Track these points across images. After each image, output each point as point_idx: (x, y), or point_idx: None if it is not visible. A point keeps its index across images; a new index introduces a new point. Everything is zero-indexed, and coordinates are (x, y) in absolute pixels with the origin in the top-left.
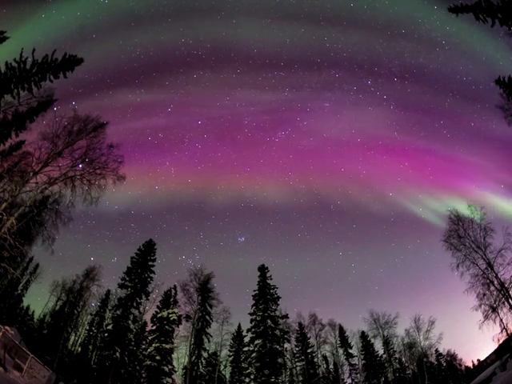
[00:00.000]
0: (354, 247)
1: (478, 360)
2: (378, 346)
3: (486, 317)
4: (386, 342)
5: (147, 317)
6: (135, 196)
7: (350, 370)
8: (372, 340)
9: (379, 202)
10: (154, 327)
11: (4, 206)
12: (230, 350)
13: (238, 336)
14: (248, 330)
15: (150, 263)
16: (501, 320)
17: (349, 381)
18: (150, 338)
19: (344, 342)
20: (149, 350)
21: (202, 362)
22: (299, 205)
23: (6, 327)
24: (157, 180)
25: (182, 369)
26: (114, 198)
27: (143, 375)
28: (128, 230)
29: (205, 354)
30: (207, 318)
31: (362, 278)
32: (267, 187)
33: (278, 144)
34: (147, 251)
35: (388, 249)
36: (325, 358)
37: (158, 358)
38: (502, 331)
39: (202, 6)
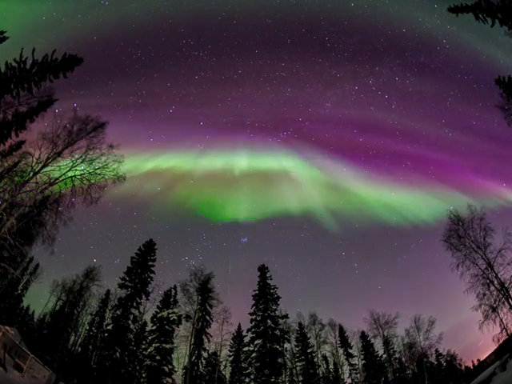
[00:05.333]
0: (356, 247)
1: (478, 360)
2: (378, 346)
3: (486, 317)
4: (386, 342)
5: (147, 317)
6: (138, 197)
7: (350, 370)
8: (372, 340)
9: (381, 201)
10: (154, 327)
11: (4, 206)
12: (230, 350)
13: (238, 336)
14: (248, 330)
15: (150, 263)
16: (501, 320)
17: (349, 381)
18: (149, 337)
19: (344, 342)
20: (149, 350)
21: (202, 362)
22: (301, 205)
23: (6, 327)
24: (159, 181)
25: (182, 369)
26: (117, 199)
27: (143, 375)
28: (130, 231)
29: (205, 354)
30: (207, 317)
31: (365, 277)
32: (269, 188)
33: (279, 144)
34: (147, 251)
35: (391, 248)
36: (325, 357)
37: (157, 358)
38: (501, 331)
39: (202, 7)
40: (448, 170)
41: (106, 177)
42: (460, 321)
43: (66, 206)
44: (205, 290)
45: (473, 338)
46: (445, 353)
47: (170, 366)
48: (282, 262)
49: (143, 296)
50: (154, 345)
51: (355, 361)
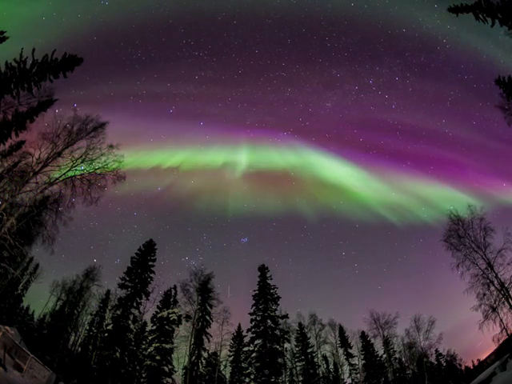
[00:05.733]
0: (356, 247)
1: (478, 360)
2: (378, 346)
3: (486, 317)
4: (386, 342)
5: (147, 317)
6: (138, 197)
7: (350, 370)
8: (372, 340)
9: (382, 201)
10: (154, 327)
11: (4, 206)
12: (230, 350)
13: (238, 336)
14: (248, 330)
15: (150, 263)
16: (501, 320)
17: (349, 381)
18: (150, 337)
19: (344, 342)
20: (149, 350)
21: (202, 362)
22: (302, 205)
23: (6, 327)
24: (159, 182)
25: (182, 369)
26: (117, 199)
27: (143, 375)
28: (130, 231)
29: (205, 354)
30: (207, 317)
31: (365, 277)
32: (270, 188)
33: (279, 144)
34: (147, 251)
35: (391, 248)
36: (325, 357)
37: (157, 357)
38: (501, 331)
39: (202, 7)
40: (448, 170)
41: (106, 177)
42: (460, 321)
43: (66, 206)
44: (205, 290)
45: (473, 338)
46: (445, 353)
47: (170, 366)
48: (282, 261)
49: (143, 296)
50: (154, 345)
51: (355, 361)
